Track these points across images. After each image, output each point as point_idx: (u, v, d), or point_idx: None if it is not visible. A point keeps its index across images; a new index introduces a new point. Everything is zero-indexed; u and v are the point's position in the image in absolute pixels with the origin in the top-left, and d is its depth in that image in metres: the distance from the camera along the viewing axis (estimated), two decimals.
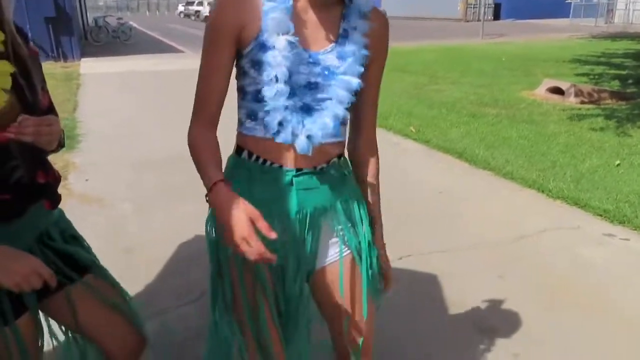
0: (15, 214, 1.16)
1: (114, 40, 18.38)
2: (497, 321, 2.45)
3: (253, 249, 0.99)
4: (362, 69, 1.18)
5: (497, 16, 36.91)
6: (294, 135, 1.15)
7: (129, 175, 4.47)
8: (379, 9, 1.23)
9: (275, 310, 1.29)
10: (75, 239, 1.36)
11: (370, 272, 1.32)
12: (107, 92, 8.63)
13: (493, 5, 36.08)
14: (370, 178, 1.37)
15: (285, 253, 1.23)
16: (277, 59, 1.11)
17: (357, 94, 1.21)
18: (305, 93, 1.17)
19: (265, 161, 1.21)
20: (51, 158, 1.30)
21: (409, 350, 2.26)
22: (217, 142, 1.21)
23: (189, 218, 3.53)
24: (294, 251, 1.25)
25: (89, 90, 8.79)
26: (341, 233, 1.30)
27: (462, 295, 2.64)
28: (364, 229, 1.32)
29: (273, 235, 0.99)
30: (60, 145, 1.25)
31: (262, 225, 0.99)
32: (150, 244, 3.17)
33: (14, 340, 1.18)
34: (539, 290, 2.72)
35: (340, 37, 1.17)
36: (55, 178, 1.28)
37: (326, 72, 1.17)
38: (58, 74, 10.18)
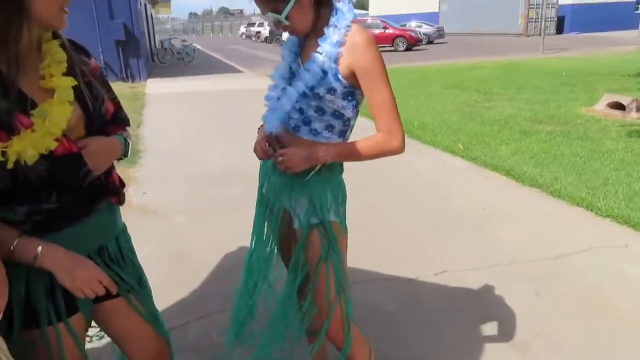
0: (85, 213, 1.26)
1: (178, 62, 19.35)
2: (532, 338, 2.45)
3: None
4: (335, 84, 1.50)
5: (560, 30, 35.78)
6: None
7: (185, 189, 4.76)
8: (356, 30, 1.49)
9: None
10: (131, 254, 1.45)
11: None
12: (170, 111, 9.15)
13: (556, 19, 35.00)
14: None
15: None
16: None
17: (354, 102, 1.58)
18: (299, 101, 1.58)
19: None
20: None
21: None
22: None
23: (239, 229, 3.73)
24: None
25: (152, 109, 9.34)
26: None
27: (497, 311, 2.66)
28: None
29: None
30: (124, 154, 1.38)
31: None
32: (199, 252, 3.39)
33: (65, 336, 1.26)
34: (577, 306, 2.69)
35: (311, 58, 1.52)
36: (121, 182, 1.40)
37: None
38: (125, 94, 10.87)
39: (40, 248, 1.14)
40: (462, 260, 3.21)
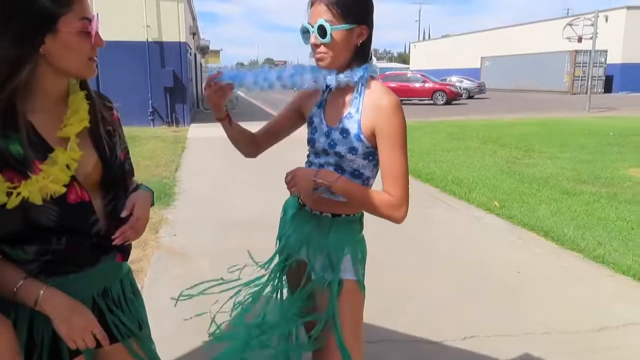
0: (90, 263, 1.27)
1: None
2: None
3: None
4: (357, 144, 1.49)
5: (608, 89, 35.20)
6: None
7: (213, 233, 4.75)
8: (385, 92, 1.49)
9: None
10: (133, 297, 1.45)
11: None
12: (207, 156, 9.33)
13: (604, 78, 34.49)
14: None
15: None
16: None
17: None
18: (320, 156, 1.59)
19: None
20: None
21: None
22: None
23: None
24: None
25: (192, 153, 9.56)
26: None
27: None
28: None
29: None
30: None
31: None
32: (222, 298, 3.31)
33: None
34: None
35: (344, 118, 1.52)
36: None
37: (331, 143, 1.54)
38: (168, 137, 11.22)
39: (42, 292, 1.16)
40: (492, 326, 3.01)
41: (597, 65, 31.56)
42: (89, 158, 1.26)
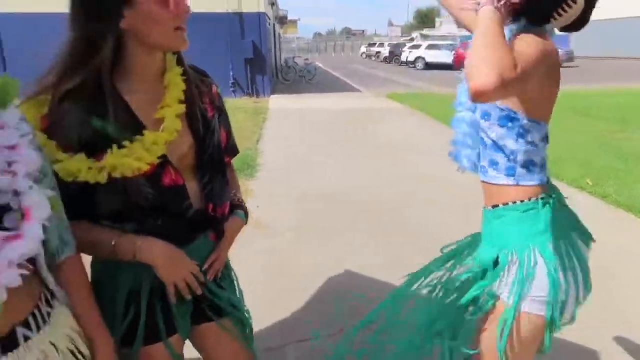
0: (185, 241, 1.27)
1: (300, 79, 20.13)
2: None
3: None
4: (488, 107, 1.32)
5: None
6: None
7: (298, 205, 4.90)
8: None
9: None
10: (228, 277, 1.46)
11: None
12: (289, 127, 9.52)
13: None
14: None
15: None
16: None
17: None
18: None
19: None
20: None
21: None
22: None
23: (345, 252, 3.77)
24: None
25: (273, 124, 9.79)
26: None
27: None
28: None
29: None
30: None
31: None
32: (304, 273, 3.45)
33: (164, 356, 1.29)
34: None
35: None
36: (223, 213, 1.37)
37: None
38: (249, 109, 11.53)
39: (139, 242, 1.18)
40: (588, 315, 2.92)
41: None
42: (183, 139, 1.24)
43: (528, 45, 1.17)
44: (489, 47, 1.08)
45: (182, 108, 1.21)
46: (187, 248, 1.27)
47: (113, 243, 1.17)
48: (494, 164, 1.33)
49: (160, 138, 1.16)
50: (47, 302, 0.99)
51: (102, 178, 1.12)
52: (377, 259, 3.61)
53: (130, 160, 1.13)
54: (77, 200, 1.13)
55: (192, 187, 1.27)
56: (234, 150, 1.48)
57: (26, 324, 0.93)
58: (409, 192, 5.24)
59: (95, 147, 1.12)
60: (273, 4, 20.36)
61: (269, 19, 17.53)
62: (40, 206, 0.89)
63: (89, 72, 1.10)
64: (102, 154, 1.12)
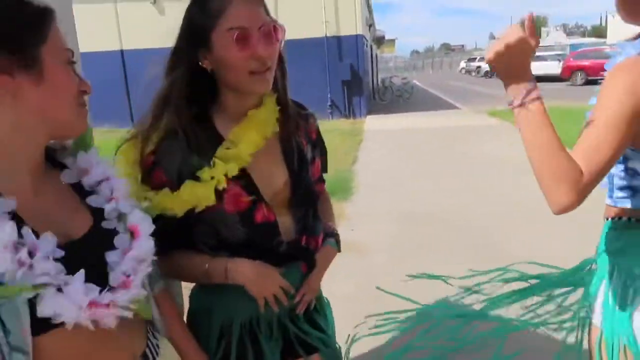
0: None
1: (397, 98, 20.07)
2: None
3: None
4: None
5: None
6: None
7: (391, 228, 4.86)
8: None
9: None
10: (320, 310, 1.42)
11: None
12: (384, 147, 9.51)
13: None
14: None
15: None
16: None
17: None
18: None
19: None
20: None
21: None
22: None
23: (439, 274, 3.65)
24: None
25: (369, 145, 9.83)
26: None
27: None
28: None
29: None
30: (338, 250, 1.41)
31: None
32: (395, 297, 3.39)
33: None
34: None
35: None
36: (316, 244, 1.34)
37: None
38: (346, 130, 11.68)
39: (229, 264, 1.20)
40: None
41: None
42: (279, 174, 1.24)
43: (610, 95, 1.03)
44: (545, 162, 1.01)
45: (255, 142, 1.18)
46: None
47: (206, 266, 1.20)
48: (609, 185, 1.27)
49: (228, 169, 1.15)
50: (153, 334, 1.08)
51: (180, 211, 1.15)
52: (471, 282, 3.46)
53: (201, 189, 1.14)
54: (174, 232, 1.20)
55: (286, 222, 1.26)
56: (323, 180, 1.47)
57: (145, 356, 1.01)
58: (508, 215, 4.99)
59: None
60: (370, 26, 20.62)
61: (366, 40, 17.76)
62: (144, 221, 0.97)
63: (187, 110, 1.14)
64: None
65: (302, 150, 1.29)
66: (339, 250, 1.43)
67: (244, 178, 1.18)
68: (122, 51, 15.35)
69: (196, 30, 1.11)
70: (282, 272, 1.24)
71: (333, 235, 1.43)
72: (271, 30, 1.11)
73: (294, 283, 1.28)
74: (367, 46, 18.00)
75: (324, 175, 1.46)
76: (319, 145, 1.39)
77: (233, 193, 1.17)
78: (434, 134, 10.70)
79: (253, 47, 1.09)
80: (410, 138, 10.37)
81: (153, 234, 0.98)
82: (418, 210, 5.30)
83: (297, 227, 1.28)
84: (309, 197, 1.31)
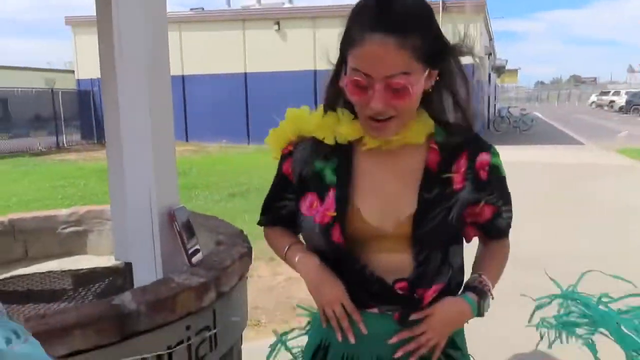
0: (359, 305, 1.11)
1: (513, 130, 19.18)
2: None
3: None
4: None
5: None
6: None
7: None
8: None
9: None
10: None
11: None
12: None
13: None
14: None
15: None
16: None
17: None
18: None
19: None
20: None
21: None
22: None
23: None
24: None
25: None
26: None
27: None
28: None
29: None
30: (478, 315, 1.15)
31: None
32: (494, 349, 3.24)
33: None
34: None
35: None
36: (424, 296, 1.11)
37: None
38: None
39: (300, 255, 1.17)
40: None
41: None
42: (405, 207, 1.08)
43: None
44: None
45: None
46: (369, 314, 1.12)
47: (285, 249, 1.21)
48: None
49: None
50: None
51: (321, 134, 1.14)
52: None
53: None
54: (286, 216, 1.23)
55: (404, 260, 1.09)
56: (498, 232, 1.27)
57: None
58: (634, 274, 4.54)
59: (307, 186, 1.15)
60: (490, 54, 20.01)
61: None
62: None
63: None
64: (311, 197, 1.13)
65: (446, 187, 1.09)
66: (477, 314, 1.15)
67: (342, 188, 1.10)
68: (245, 74, 16.43)
69: (340, 47, 1.05)
70: (366, 312, 1.11)
71: (476, 290, 1.17)
72: (399, 84, 0.96)
73: (378, 327, 1.11)
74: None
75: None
76: (491, 187, 1.17)
77: (330, 201, 1.11)
78: (551, 169, 10.10)
79: (368, 99, 0.98)
80: (524, 172, 9.79)
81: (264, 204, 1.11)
82: (526, 253, 5.00)
83: (417, 270, 1.09)
84: (434, 239, 1.10)
